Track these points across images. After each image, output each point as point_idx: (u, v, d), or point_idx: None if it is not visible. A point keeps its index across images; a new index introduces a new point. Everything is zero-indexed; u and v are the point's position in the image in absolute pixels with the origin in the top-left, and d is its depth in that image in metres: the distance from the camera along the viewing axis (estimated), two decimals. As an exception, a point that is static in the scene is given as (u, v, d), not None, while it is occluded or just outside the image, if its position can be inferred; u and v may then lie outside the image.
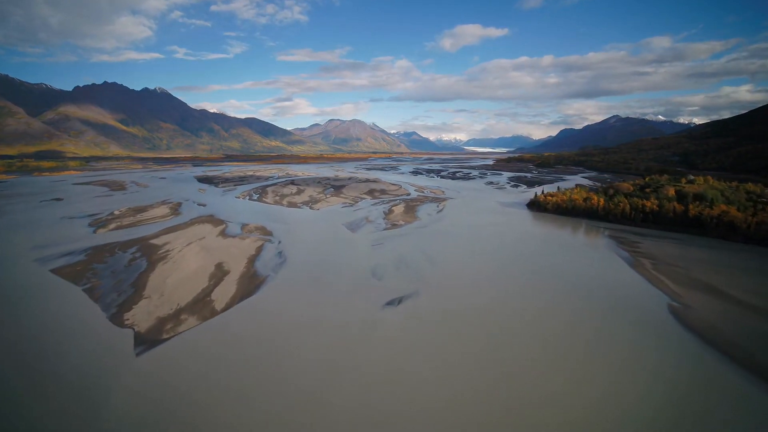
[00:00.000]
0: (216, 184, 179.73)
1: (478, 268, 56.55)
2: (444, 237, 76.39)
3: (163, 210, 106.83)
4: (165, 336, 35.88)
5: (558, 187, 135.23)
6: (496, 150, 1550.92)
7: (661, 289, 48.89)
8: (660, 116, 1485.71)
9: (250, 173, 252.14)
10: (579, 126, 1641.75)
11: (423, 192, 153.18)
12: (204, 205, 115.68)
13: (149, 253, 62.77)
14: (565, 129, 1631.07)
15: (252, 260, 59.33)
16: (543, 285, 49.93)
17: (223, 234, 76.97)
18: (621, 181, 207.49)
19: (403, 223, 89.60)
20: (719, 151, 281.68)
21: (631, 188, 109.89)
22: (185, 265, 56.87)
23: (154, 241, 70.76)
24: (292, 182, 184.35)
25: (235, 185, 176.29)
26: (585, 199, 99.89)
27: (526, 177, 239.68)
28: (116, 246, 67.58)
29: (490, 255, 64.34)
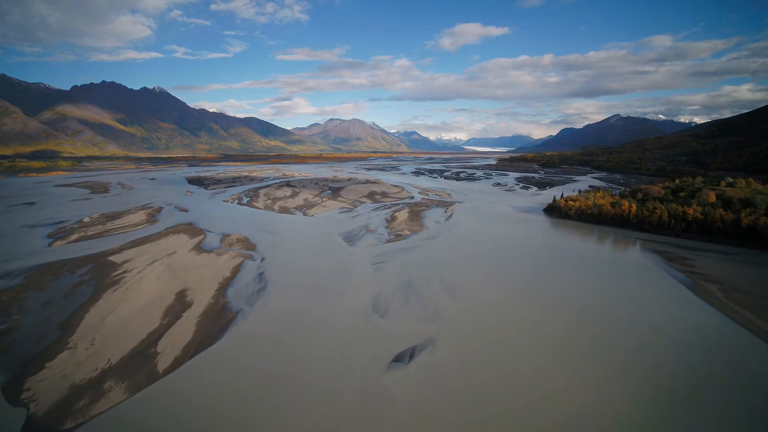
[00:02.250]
0: (206, 186, 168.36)
1: (508, 301, 45.02)
2: (458, 252, 64.91)
3: (139, 217, 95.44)
4: (68, 425, 24.42)
5: (579, 191, 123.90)
6: (497, 149, 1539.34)
7: (755, 333, 37.38)
8: (661, 115, 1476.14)
9: (245, 174, 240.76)
10: (579, 125, 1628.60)
11: (427, 195, 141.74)
12: (186, 211, 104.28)
13: (101, 276, 51.36)
14: (566, 128, 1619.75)
15: (224, 286, 47.88)
16: (601, 329, 38.39)
17: (198, 248, 65.54)
18: (634, 182, 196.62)
19: (408, 233, 78.14)
20: (728, 151, 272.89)
21: (663, 192, 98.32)
22: (140, 293, 45.45)
23: (114, 258, 59.37)
24: (288, 184, 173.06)
25: (226, 187, 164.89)
26: (613, 205, 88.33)
27: (533, 178, 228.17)
28: (66, 265, 56.17)
29: (519, 280, 52.81)
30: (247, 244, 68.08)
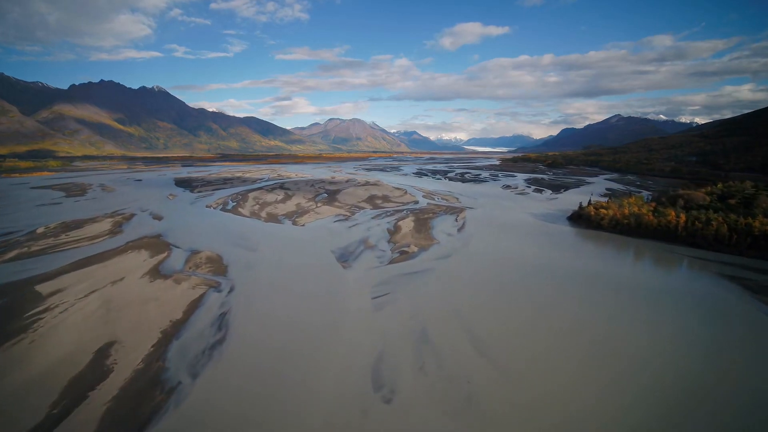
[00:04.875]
0: (192, 189, 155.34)
1: (565, 367, 31.95)
2: (480, 279, 51.86)
3: (104, 226, 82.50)
4: None
5: (608, 196, 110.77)
6: (497, 149, 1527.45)
7: None
8: (661, 115, 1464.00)
9: (239, 174, 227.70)
10: (580, 125, 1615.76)
11: (433, 199, 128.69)
12: (160, 219, 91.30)
13: (12, 317, 38.34)
14: (567, 128, 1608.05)
15: (169, 337, 34.83)
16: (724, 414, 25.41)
17: (155, 272, 52.51)
18: (651, 184, 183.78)
19: (415, 249, 65.09)
20: (740, 151, 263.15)
21: (708, 198, 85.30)
22: (49, 347, 32.50)
23: (43, 287, 46.43)
24: (281, 186, 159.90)
25: (214, 189, 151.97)
26: (656, 214, 75.21)
27: (543, 179, 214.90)
28: (-25, 298, 43.24)
29: (569, 325, 39.67)
30: (217, 266, 55.01)
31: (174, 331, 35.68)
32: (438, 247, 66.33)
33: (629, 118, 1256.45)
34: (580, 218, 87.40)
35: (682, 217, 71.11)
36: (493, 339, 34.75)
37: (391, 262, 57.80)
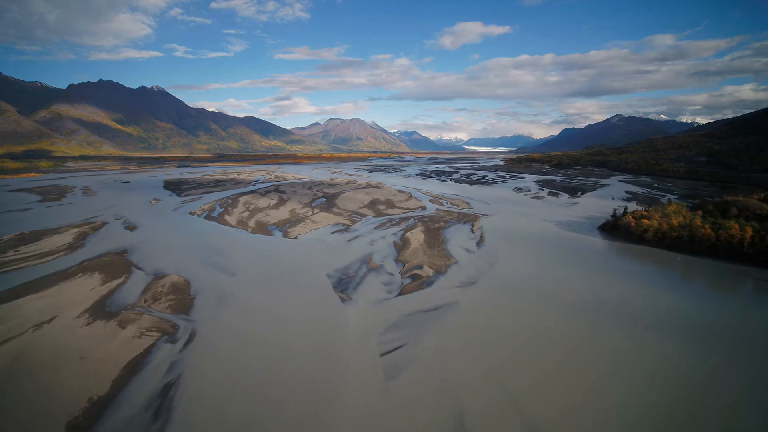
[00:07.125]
0: (180, 192, 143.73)
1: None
2: (522, 322, 40.07)
3: (65, 239, 70.92)
4: None
5: (646, 203, 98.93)
6: (497, 149, 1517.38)
7: None
8: (662, 115, 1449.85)
9: (233, 176, 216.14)
10: (581, 125, 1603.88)
11: (441, 203, 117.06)
12: (134, 229, 79.74)
13: None
14: (568, 128, 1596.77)
15: (76, 432, 23.24)
16: None
17: (99, 307, 40.80)
18: (670, 186, 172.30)
19: (430, 271, 53.36)
20: (752, 152, 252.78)
21: (765, 207, 73.46)
22: None
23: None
24: (276, 189, 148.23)
25: (203, 193, 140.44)
26: (713, 226, 63.42)
27: (555, 181, 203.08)
28: None
29: (667, 404, 28.04)
30: (181, 298, 43.29)
31: (89, 421, 23.95)
32: (458, 269, 54.54)
33: (630, 117, 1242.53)
34: (615, 229, 75.67)
35: (749, 230, 59.36)
36: (562, 427, 23.07)
37: (402, 291, 46.08)
